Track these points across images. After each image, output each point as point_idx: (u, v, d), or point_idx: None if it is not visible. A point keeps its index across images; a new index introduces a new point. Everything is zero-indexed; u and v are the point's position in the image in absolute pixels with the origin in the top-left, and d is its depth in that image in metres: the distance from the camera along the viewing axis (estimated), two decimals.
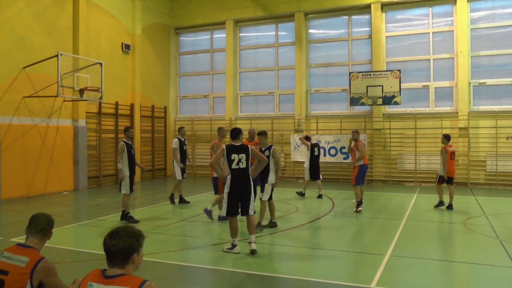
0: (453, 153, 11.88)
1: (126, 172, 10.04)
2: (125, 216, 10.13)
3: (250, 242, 7.49)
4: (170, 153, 13.07)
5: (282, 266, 6.90)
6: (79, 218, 11.03)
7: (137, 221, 10.03)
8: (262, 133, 9.23)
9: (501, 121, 16.45)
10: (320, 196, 13.68)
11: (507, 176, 16.41)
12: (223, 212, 7.82)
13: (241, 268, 6.77)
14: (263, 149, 9.17)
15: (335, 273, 6.59)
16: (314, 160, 13.96)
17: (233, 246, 7.49)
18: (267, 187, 9.02)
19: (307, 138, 14.33)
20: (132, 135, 10.49)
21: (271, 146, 9.18)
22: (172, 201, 12.81)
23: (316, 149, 14.04)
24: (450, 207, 11.67)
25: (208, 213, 10.13)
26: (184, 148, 12.91)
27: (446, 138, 11.92)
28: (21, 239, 7.79)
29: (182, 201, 12.90)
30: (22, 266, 3.50)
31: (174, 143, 12.76)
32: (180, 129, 13.09)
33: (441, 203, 11.88)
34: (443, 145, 11.88)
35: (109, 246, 2.77)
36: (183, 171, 12.75)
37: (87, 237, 9.09)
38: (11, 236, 8.82)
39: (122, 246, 2.76)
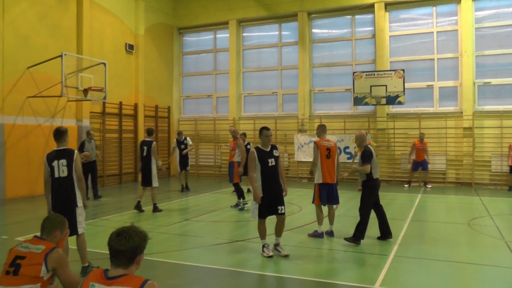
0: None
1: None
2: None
3: None
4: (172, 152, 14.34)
5: (285, 266, 6.86)
6: None
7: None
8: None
9: (506, 121, 16.36)
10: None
11: None
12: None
13: (244, 268, 6.75)
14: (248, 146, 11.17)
15: (339, 273, 6.58)
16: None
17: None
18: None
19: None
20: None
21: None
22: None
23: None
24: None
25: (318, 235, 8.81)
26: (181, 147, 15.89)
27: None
28: (25, 238, 7.82)
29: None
30: (38, 252, 3.93)
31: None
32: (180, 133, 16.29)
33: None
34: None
35: (116, 245, 2.76)
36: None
37: (91, 237, 9.05)
38: (15, 235, 8.86)
39: (131, 245, 2.76)
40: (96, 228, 9.68)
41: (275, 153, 7.38)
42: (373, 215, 8.21)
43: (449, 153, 17.24)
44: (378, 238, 8.41)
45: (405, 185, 16.90)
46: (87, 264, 6.38)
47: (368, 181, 8.16)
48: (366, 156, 8.09)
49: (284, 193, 7.42)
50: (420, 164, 16.51)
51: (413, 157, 16.60)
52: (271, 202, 7.21)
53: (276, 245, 7.33)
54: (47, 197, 6.39)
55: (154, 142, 11.74)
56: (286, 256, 7.14)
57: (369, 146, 8.36)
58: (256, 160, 7.22)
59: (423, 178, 16.92)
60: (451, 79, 17.70)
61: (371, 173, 8.11)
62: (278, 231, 7.35)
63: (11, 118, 13.92)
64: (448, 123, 17.23)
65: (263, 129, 7.39)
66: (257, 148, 7.31)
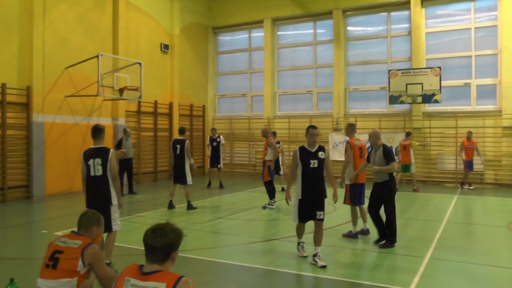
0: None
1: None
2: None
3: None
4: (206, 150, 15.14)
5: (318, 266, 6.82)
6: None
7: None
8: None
9: None
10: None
11: None
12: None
13: (276, 267, 6.75)
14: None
15: (372, 275, 6.49)
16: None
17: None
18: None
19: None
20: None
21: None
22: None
23: None
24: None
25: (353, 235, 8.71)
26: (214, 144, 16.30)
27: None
28: (63, 232, 8.03)
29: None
30: (75, 247, 4.08)
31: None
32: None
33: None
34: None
35: (152, 242, 2.80)
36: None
37: (126, 233, 9.24)
38: (54, 229, 9.12)
39: (166, 242, 2.81)
40: (131, 224, 9.86)
41: (321, 155, 6.85)
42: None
43: (487, 153, 16.73)
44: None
45: (465, 187, 16.02)
46: (108, 261, 6.36)
47: (390, 180, 7.81)
48: (391, 154, 7.81)
49: (333, 199, 7.08)
50: (469, 163, 15.90)
51: (463, 156, 15.91)
52: (310, 207, 6.89)
53: (314, 255, 6.75)
54: (86, 193, 6.54)
55: (188, 141, 11.89)
56: (323, 267, 6.56)
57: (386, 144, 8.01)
58: (298, 160, 6.86)
59: (460, 178, 16.47)
60: (489, 77, 17.17)
61: (392, 172, 7.84)
62: (317, 239, 6.84)
63: (51, 117, 14.34)
64: (486, 122, 16.74)
65: (310, 128, 6.92)
66: (301, 148, 6.93)
